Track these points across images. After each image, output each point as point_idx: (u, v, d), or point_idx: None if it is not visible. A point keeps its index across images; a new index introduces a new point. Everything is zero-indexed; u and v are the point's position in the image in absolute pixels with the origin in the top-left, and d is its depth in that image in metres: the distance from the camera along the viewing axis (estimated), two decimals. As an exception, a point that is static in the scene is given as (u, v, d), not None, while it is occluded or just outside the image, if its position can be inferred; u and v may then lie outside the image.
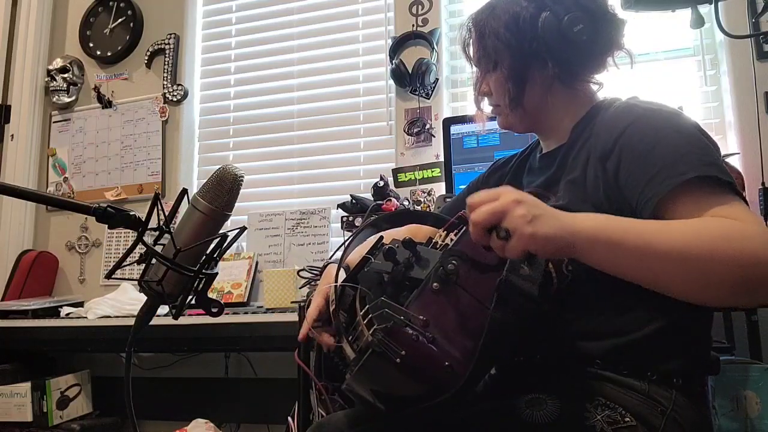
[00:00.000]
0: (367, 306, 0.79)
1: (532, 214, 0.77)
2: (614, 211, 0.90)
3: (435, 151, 2.35)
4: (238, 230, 0.88)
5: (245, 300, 2.32)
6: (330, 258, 1.19)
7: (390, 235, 0.95)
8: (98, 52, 2.92)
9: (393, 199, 2.06)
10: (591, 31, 1.00)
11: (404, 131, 2.40)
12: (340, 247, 1.03)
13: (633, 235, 0.79)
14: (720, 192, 0.84)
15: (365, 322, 0.77)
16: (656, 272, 0.79)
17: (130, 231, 0.82)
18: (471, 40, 1.12)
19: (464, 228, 0.85)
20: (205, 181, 0.85)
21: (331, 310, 0.96)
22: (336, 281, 0.89)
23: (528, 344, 0.94)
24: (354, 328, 0.80)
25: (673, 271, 0.78)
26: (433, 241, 0.90)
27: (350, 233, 0.93)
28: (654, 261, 0.78)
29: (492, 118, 1.18)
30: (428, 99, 2.39)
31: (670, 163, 0.87)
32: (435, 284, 0.81)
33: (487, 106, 1.16)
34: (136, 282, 0.86)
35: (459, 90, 2.46)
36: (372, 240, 0.93)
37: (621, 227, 0.80)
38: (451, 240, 0.86)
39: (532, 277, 0.81)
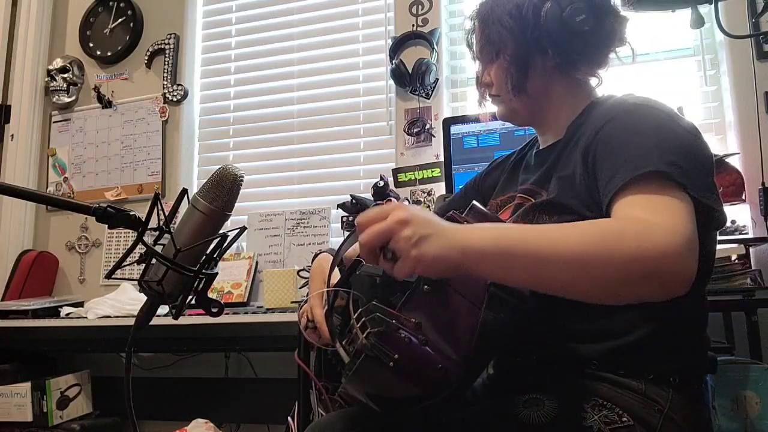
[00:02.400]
0: (360, 310, 0.79)
1: (419, 234, 0.74)
2: (597, 206, 0.90)
3: (435, 151, 2.35)
4: (238, 230, 0.88)
5: (245, 300, 2.32)
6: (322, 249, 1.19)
7: None
8: (98, 52, 2.92)
9: (393, 199, 2.06)
10: (593, 23, 1.01)
11: (404, 131, 2.40)
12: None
13: (529, 243, 0.76)
14: (667, 191, 0.82)
15: (359, 325, 0.77)
16: (550, 279, 0.77)
17: (130, 231, 0.82)
18: (473, 32, 1.13)
19: None
20: (205, 181, 0.85)
21: (324, 313, 0.96)
22: (328, 285, 0.90)
23: (523, 346, 0.93)
24: (349, 331, 0.81)
25: (566, 277, 0.76)
26: None
27: (350, 233, 0.93)
28: (546, 269, 0.76)
29: (495, 119, 1.18)
30: (428, 99, 2.39)
31: (632, 158, 0.86)
32: (426, 286, 0.80)
33: (490, 106, 1.16)
34: (136, 282, 0.86)
35: (459, 90, 2.46)
36: None
37: (517, 237, 0.77)
38: None
39: None
